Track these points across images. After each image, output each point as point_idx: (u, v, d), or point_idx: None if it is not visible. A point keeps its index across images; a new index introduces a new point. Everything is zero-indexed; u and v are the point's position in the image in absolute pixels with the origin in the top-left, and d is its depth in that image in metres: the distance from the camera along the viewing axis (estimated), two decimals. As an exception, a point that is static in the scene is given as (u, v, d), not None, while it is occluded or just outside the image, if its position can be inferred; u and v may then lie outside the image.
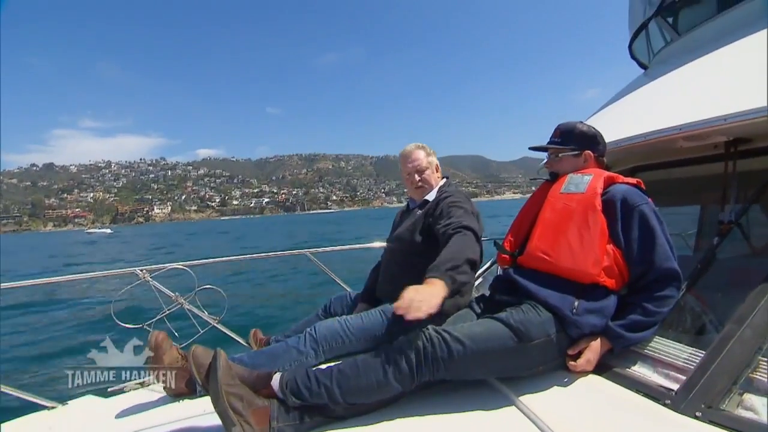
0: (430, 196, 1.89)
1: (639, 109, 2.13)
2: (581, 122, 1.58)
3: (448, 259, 1.34)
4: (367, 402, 1.15)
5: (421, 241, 1.76)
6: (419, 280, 1.65)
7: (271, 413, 1.08)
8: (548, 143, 1.58)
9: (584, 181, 1.40)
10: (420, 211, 1.85)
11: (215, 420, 1.06)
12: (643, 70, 2.90)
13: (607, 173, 1.41)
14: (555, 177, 1.57)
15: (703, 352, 1.08)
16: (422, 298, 1.15)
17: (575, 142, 1.52)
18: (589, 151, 1.51)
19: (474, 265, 1.42)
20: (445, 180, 1.99)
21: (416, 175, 1.92)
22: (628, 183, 1.37)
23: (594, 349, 1.23)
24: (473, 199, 1.89)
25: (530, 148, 1.65)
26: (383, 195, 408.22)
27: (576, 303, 1.24)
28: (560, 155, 1.55)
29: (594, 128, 1.55)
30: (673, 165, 1.91)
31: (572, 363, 1.23)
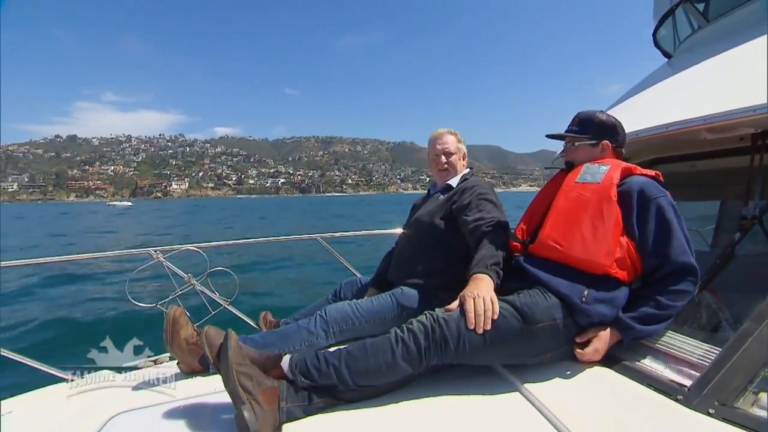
0: (453, 182, 1.90)
1: (661, 99, 2.07)
2: (602, 111, 1.54)
3: (491, 255, 1.42)
4: (375, 384, 1.16)
5: (442, 225, 1.75)
6: (432, 264, 1.67)
7: (280, 393, 1.10)
8: (566, 131, 1.55)
9: (601, 171, 1.38)
10: (442, 196, 1.85)
11: (226, 398, 1.08)
12: (666, 60, 2.80)
13: (624, 164, 1.38)
14: (570, 166, 1.54)
15: (719, 349, 1.06)
16: (483, 295, 1.21)
17: (593, 131, 1.49)
18: (607, 141, 1.48)
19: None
20: (469, 170, 1.99)
21: (443, 157, 1.93)
22: (646, 175, 1.34)
23: (603, 338, 1.22)
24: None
25: (547, 136, 1.62)
26: (398, 181, 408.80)
27: (586, 292, 1.22)
28: (577, 144, 1.52)
29: (614, 118, 1.50)
30: (696, 157, 1.85)
31: (579, 351, 1.23)
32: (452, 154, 1.93)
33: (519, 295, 1.26)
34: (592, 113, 1.52)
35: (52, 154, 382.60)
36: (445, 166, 1.92)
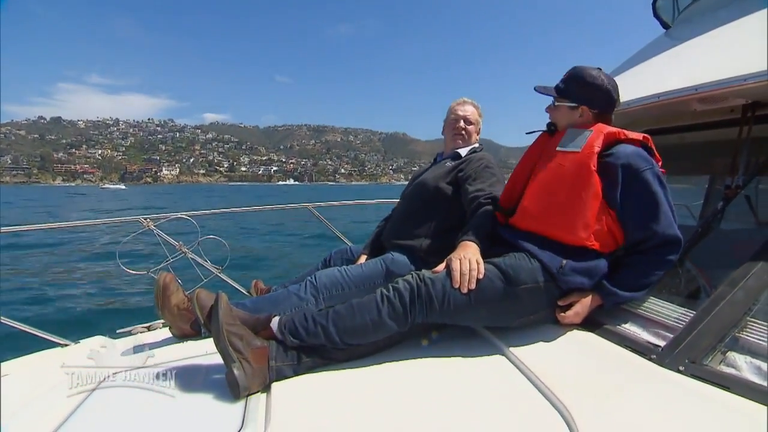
0: (463, 151, 1.92)
1: (655, 70, 2.04)
2: (598, 69, 1.40)
3: (481, 225, 1.48)
4: (363, 342, 1.20)
5: (445, 190, 1.78)
6: (429, 227, 1.70)
7: (269, 353, 1.13)
8: (555, 86, 1.46)
9: (583, 138, 1.31)
10: (450, 163, 1.87)
11: (217, 359, 1.11)
12: (665, 30, 2.75)
13: (609, 129, 1.30)
14: (553, 130, 1.47)
15: (694, 312, 1.09)
16: (469, 257, 1.25)
17: (575, 93, 1.39)
18: (586, 107, 1.38)
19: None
20: (479, 144, 2.01)
21: (462, 122, 1.96)
22: (633, 141, 1.29)
23: (584, 303, 1.26)
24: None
25: (536, 89, 1.50)
26: (391, 172, 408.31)
27: (564, 262, 1.24)
28: (557, 104, 1.44)
29: (608, 81, 1.38)
30: (687, 129, 1.85)
31: (561, 314, 1.26)
32: (471, 123, 1.98)
33: (504, 258, 1.28)
34: (583, 71, 1.39)
35: (36, 135, 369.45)
36: (462, 131, 1.96)
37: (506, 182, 1.61)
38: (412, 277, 1.24)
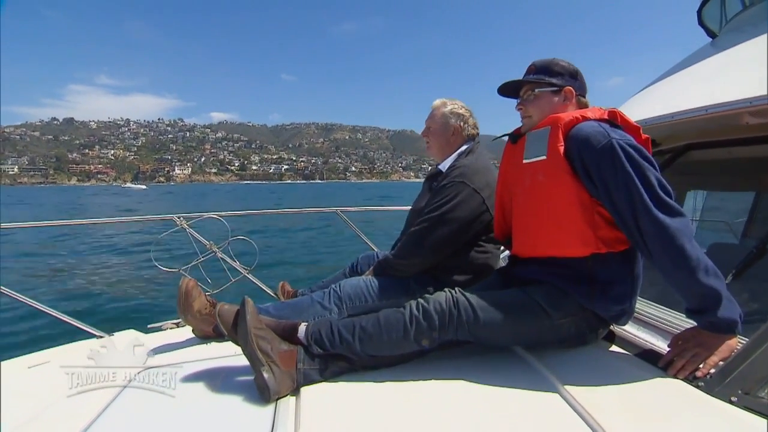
0: (445, 164, 1.73)
1: (702, 80, 1.95)
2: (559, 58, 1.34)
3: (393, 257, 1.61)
4: (388, 355, 1.18)
5: None
6: None
7: (297, 356, 1.13)
8: (527, 78, 1.33)
9: (543, 140, 1.20)
10: (433, 184, 1.74)
11: (246, 361, 1.12)
12: (710, 39, 2.63)
13: (566, 119, 1.17)
14: (515, 139, 1.37)
15: (746, 339, 1.03)
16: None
17: (556, 76, 1.29)
18: (571, 88, 1.29)
19: (432, 253, 1.57)
20: (467, 146, 1.76)
21: (424, 132, 1.84)
22: (588, 119, 1.15)
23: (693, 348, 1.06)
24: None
25: (500, 89, 1.40)
26: (401, 169, 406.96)
27: (588, 289, 1.14)
28: (537, 91, 1.30)
29: (574, 66, 1.32)
30: (734, 144, 1.75)
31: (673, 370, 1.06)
32: (434, 128, 1.79)
33: (538, 289, 1.20)
34: (550, 59, 1.32)
35: (50, 137, 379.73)
36: (427, 143, 1.84)
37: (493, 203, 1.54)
38: (445, 299, 1.17)
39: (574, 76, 1.32)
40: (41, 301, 1.74)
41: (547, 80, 1.29)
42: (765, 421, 0.83)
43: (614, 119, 1.16)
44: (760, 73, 1.56)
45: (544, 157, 1.19)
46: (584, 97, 1.34)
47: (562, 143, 1.16)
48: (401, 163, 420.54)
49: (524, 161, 1.27)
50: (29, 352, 1.53)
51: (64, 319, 1.73)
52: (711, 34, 2.72)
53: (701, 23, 2.79)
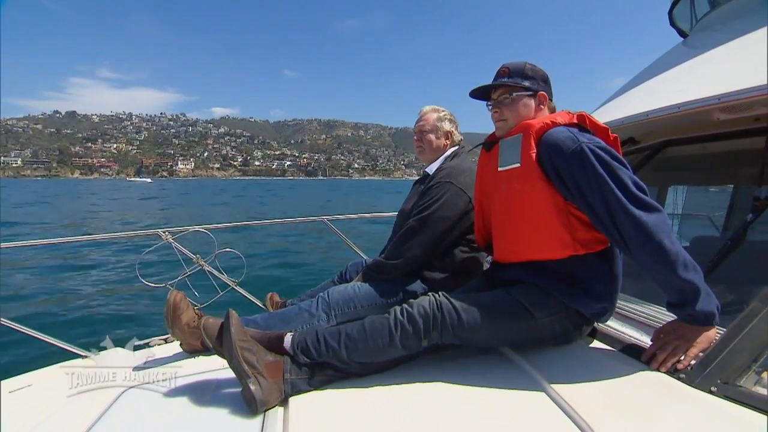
0: (432, 168, 1.80)
1: (674, 79, 2.01)
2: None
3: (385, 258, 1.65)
4: (375, 362, 1.17)
5: None
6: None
7: (284, 366, 1.12)
8: (501, 81, 1.32)
9: (516, 147, 1.22)
10: (420, 187, 1.80)
11: (232, 374, 1.10)
12: (682, 39, 2.71)
13: (538, 125, 1.19)
14: (489, 146, 1.38)
15: (723, 329, 1.05)
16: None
17: (530, 80, 1.30)
18: (545, 93, 1.31)
19: (423, 251, 1.61)
20: (452, 150, 1.84)
21: (417, 136, 1.88)
22: (558, 124, 1.17)
23: (672, 342, 1.07)
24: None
25: (471, 93, 1.38)
26: (403, 167, 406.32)
27: (570, 289, 1.16)
28: (515, 95, 1.29)
29: (543, 70, 1.34)
30: (708, 139, 1.80)
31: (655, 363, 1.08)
32: (428, 132, 1.83)
33: (523, 290, 1.21)
34: (523, 63, 1.33)
35: (52, 129, 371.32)
36: (419, 144, 1.87)
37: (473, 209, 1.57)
38: (429, 303, 1.17)
39: (545, 81, 1.34)
40: (18, 321, 1.68)
41: (523, 84, 1.30)
42: (743, 408, 0.85)
43: (583, 123, 1.18)
44: (727, 71, 1.61)
45: (518, 165, 1.21)
46: (552, 101, 1.35)
47: (534, 150, 1.18)
48: (404, 161, 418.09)
49: (499, 169, 1.29)
50: (9, 376, 1.47)
51: (45, 338, 1.67)
52: (682, 33, 2.81)
53: (672, 24, 2.87)
